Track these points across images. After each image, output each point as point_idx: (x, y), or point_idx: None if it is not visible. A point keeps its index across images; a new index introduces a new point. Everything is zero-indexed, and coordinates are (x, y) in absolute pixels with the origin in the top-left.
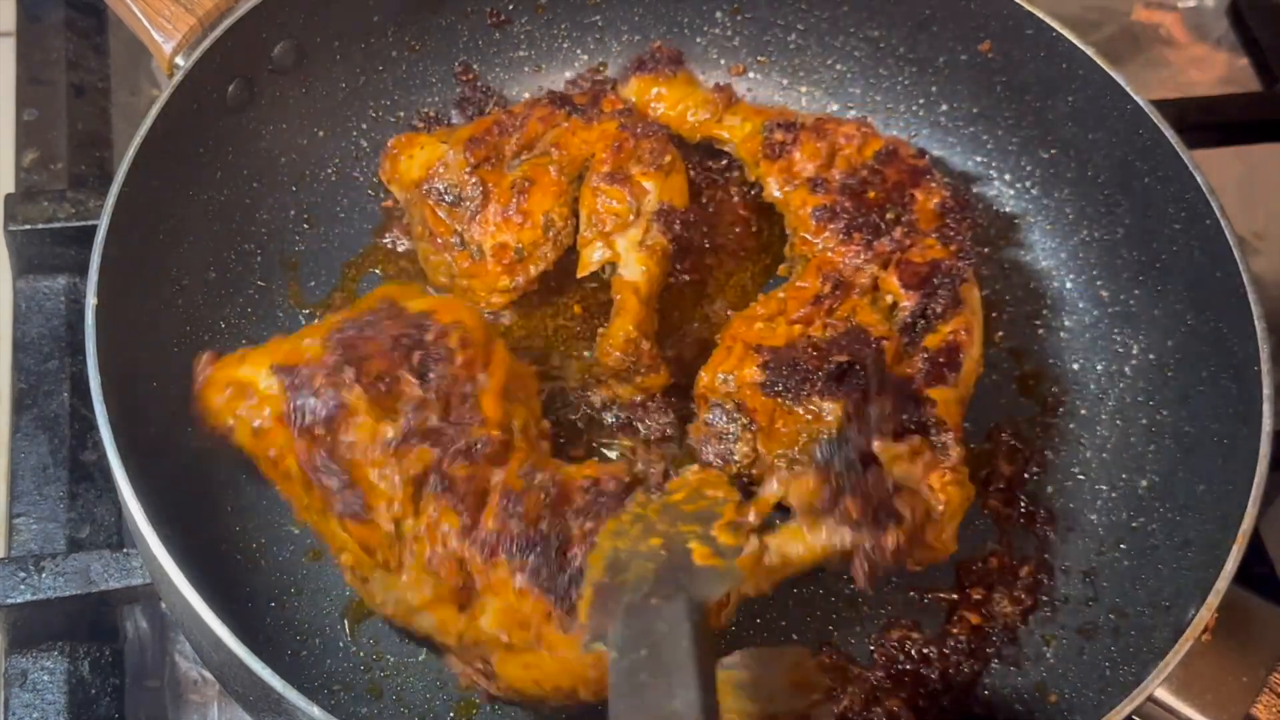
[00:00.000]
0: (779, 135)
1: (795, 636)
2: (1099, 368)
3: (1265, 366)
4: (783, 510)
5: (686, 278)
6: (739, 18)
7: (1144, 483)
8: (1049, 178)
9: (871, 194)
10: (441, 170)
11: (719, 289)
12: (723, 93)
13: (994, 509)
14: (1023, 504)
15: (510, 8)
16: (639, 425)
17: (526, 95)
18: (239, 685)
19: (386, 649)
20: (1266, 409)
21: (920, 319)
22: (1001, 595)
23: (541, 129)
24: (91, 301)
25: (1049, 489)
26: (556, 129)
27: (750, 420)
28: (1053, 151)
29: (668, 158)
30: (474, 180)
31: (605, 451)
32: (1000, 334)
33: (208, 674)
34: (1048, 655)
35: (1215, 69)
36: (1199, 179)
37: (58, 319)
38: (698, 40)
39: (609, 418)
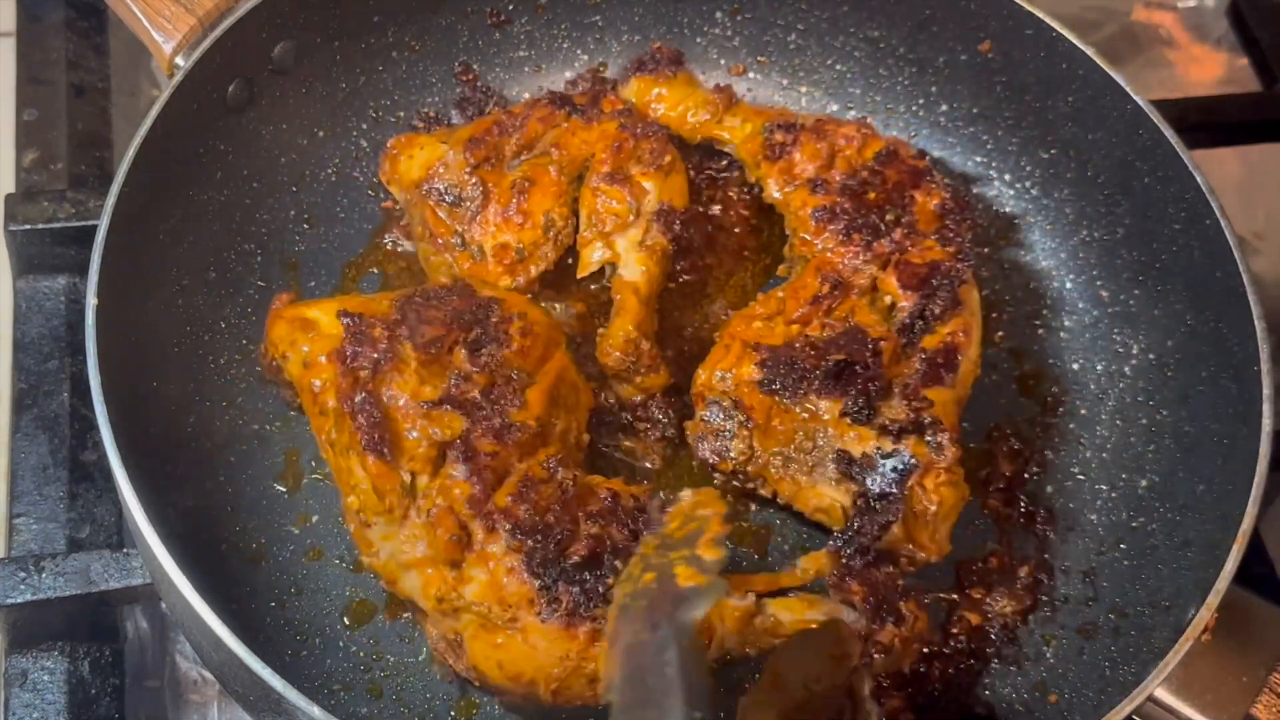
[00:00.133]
0: (779, 136)
1: None
2: (1099, 368)
3: (1265, 366)
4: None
5: (686, 278)
6: (739, 18)
7: (1144, 483)
8: (1049, 178)
9: (871, 195)
10: (441, 170)
11: (719, 289)
12: (723, 93)
13: (994, 509)
14: (1023, 504)
15: (510, 8)
16: (639, 425)
17: (526, 95)
18: (239, 685)
19: (386, 649)
20: (1266, 409)
21: (919, 320)
22: (1001, 595)
23: (541, 129)
24: (91, 301)
25: (1049, 489)
26: (556, 129)
27: (747, 418)
28: (1053, 151)
29: (668, 158)
30: (474, 180)
31: (604, 450)
32: (1000, 334)
33: (208, 674)
34: (1048, 655)
35: (1215, 69)
36: (1199, 179)
37: (58, 319)
38: (698, 40)
39: (609, 418)
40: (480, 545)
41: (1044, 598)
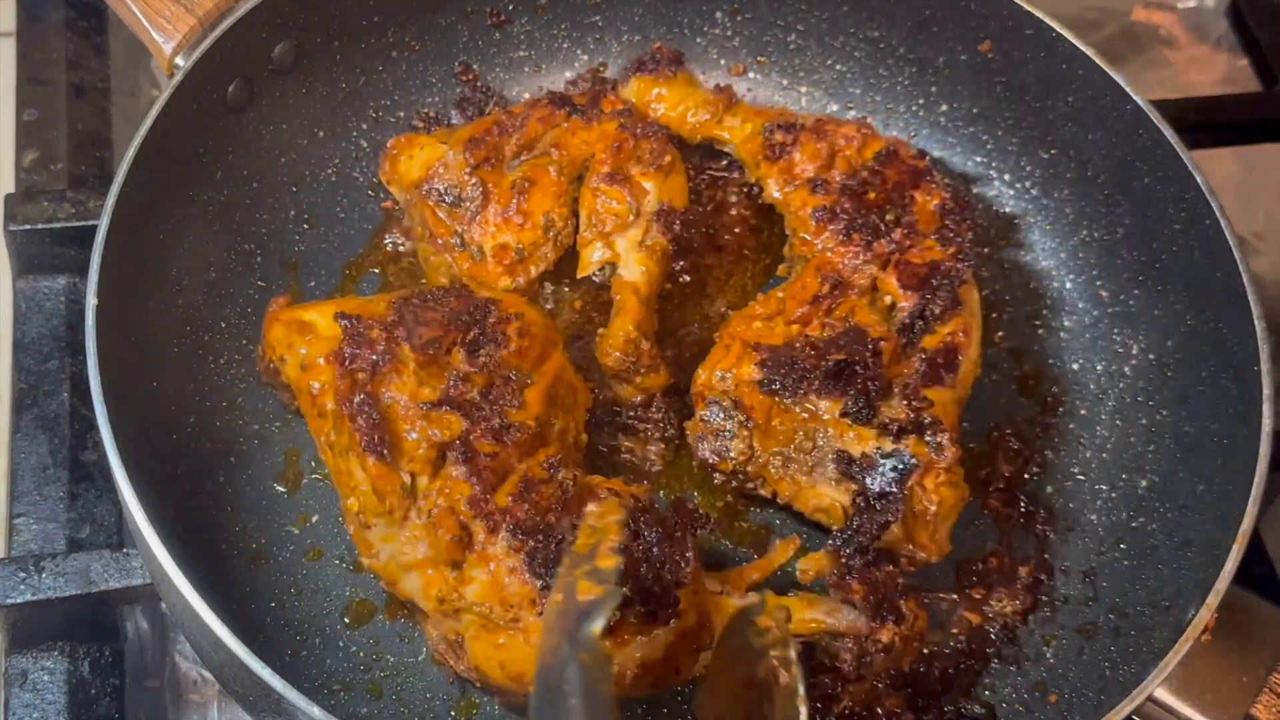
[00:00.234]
0: (779, 136)
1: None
2: (1099, 368)
3: (1265, 366)
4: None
5: (686, 278)
6: (739, 18)
7: (1144, 483)
8: (1049, 178)
9: (871, 195)
10: (441, 171)
11: (719, 289)
12: (723, 93)
13: (994, 509)
14: (1023, 504)
15: (510, 8)
16: (639, 425)
17: (526, 95)
18: (239, 685)
19: (386, 649)
20: (1266, 409)
21: (919, 320)
22: (1001, 595)
23: (541, 129)
24: (91, 301)
25: (1049, 489)
26: (556, 129)
27: (747, 418)
28: (1053, 151)
29: (668, 158)
30: (474, 181)
31: (604, 450)
32: (1000, 334)
33: (208, 674)
34: (1048, 655)
35: (1215, 69)
36: (1199, 179)
37: (58, 319)
38: (698, 40)
39: (609, 418)
40: (481, 546)
41: (1044, 598)
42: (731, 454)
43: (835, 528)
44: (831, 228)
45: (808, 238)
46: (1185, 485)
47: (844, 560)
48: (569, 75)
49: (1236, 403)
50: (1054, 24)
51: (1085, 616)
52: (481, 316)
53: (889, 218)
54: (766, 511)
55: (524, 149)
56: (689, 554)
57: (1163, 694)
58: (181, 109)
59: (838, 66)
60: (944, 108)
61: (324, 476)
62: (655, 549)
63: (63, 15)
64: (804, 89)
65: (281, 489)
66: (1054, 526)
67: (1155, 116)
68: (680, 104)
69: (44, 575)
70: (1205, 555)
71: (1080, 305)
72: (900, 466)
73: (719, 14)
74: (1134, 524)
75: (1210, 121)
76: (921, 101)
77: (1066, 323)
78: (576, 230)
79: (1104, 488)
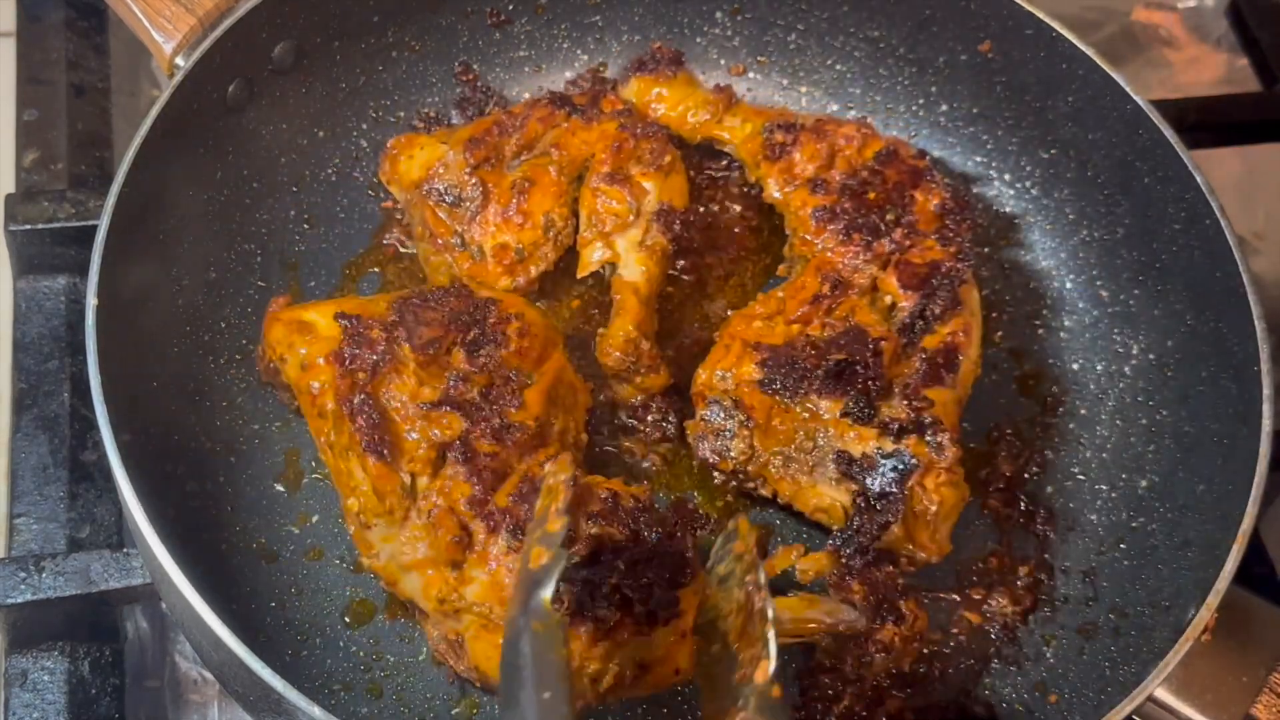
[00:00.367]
0: (779, 136)
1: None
2: (1099, 368)
3: (1265, 366)
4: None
5: (686, 278)
6: (739, 18)
7: (1144, 483)
8: (1049, 178)
9: (871, 195)
10: (441, 171)
11: (719, 289)
12: (723, 93)
13: (994, 509)
14: (1023, 504)
15: (510, 8)
16: (639, 425)
17: (526, 95)
18: (239, 685)
19: (386, 649)
20: (1266, 409)
21: (919, 320)
22: (1001, 595)
23: (541, 129)
24: (91, 301)
25: (1049, 489)
26: (556, 129)
27: (747, 417)
28: (1053, 151)
29: (668, 158)
30: (474, 181)
31: (605, 450)
32: (1000, 334)
33: (208, 674)
34: (1048, 655)
35: (1215, 69)
36: (1199, 179)
37: (58, 319)
38: (698, 40)
39: (609, 418)
40: (481, 546)
41: (1044, 598)
42: (732, 454)
43: (835, 528)
44: (831, 228)
45: (808, 238)
46: (1185, 485)
47: (844, 560)
48: (569, 75)
49: (1236, 403)
50: (1054, 24)
51: (1085, 616)
52: (481, 316)
53: (889, 218)
54: (766, 511)
55: (524, 149)
56: (689, 554)
57: (1163, 694)
58: (181, 109)
59: (838, 66)
60: (944, 108)
61: (324, 476)
62: (655, 549)
63: (63, 15)
64: (804, 89)
65: (281, 489)
66: (1054, 526)
67: (1155, 116)
68: (680, 104)
69: (44, 575)
70: (1205, 555)
71: (1080, 305)
72: (900, 466)
73: (719, 14)
74: (1134, 524)
75: (1210, 121)
76: (921, 101)
77: (1066, 323)
78: (576, 230)
79: (1104, 488)
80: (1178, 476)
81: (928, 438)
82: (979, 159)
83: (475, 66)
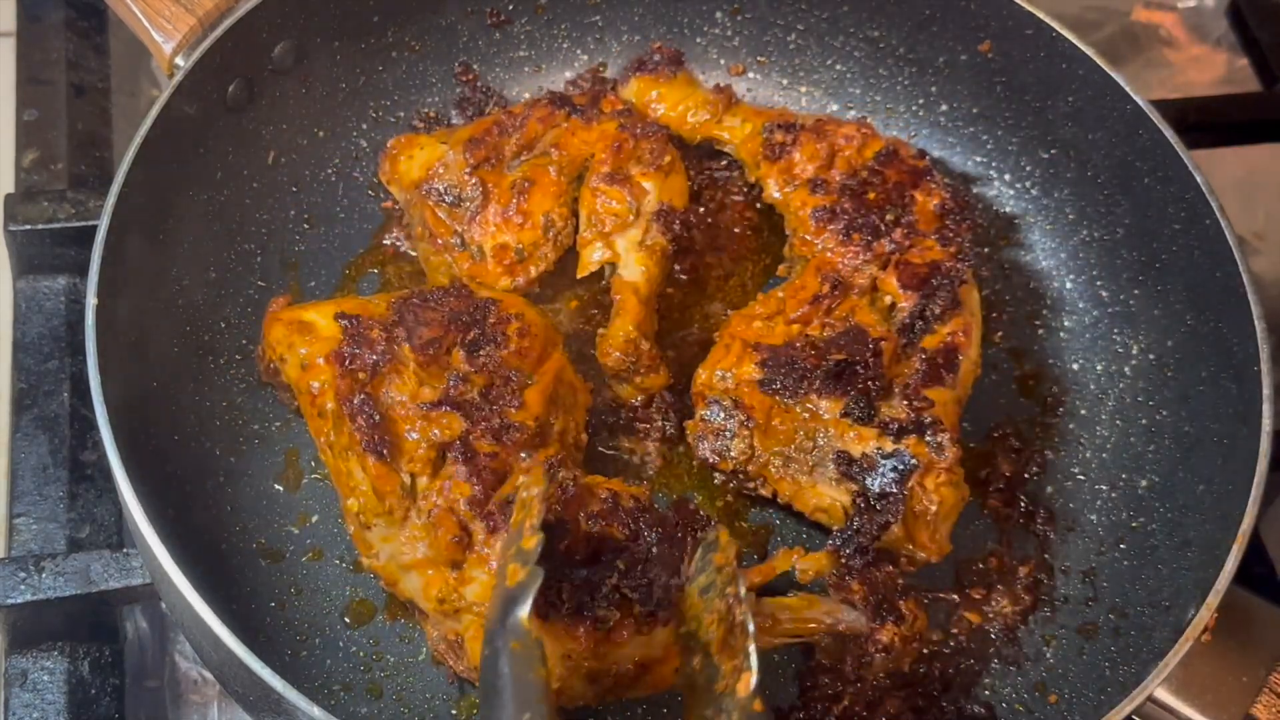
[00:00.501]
0: (779, 136)
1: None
2: (1099, 368)
3: (1265, 366)
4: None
5: (686, 278)
6: (739, 18)
7: (1144, 483)
8: (1049, 178)
9: (871, 195)
10: (441, 171)
11: (719, 289)
12: (723, 93)
13: (994, 509)
14: (1023, 504)
15: (510, 8)
16: (639, 425)
17: (526, 95)
18: (239, 685)
19: (386, 649)
20: (1266, 409)
21: (919, 320)
22: (1001, 595)
23: (541, 129)
24: (91, 301)
25: (1049, 489)
26: (556, 129)
27: (747, 417)
28: (1053, 151)
29: (667, 158)
30: (474, 181)
31: (604, 450)
32: (1000, 334)
33: (208, 674)
34: (1048, 655)
35: (1215, 69)
36: (1199, 179)
37: (58, 319)
38: (698, 40)
39: (609, 418)
40: (481, 546)
41: (1044, 598)
42: (732, 454)
43: (835, 528)
44: (831, 228)
45: (808, 238)
46: (1185, 485)
47: (844, 560)
48: (569, 75)
49: (1236, 403)
50: (1054, 24)
51: (1085, 616)
52: (481, 316)
53: (889, 218)
54: (766, 511)
55: (524, 149)
56: (689, 554)
57: (1163, 694)
58: (181, 109)
59: (838, 66)
60: (944, 108)
61: (324, 476)
62: (655, 549)
63: (63, 15)
64: (804, 89)
65: (281, 489)
66: (1054, 526)
67: (1155, 116)
68: (680, 104)
69: (44, 575)
70: (1205, 555)
71: (1080, 305)
72: (900, 466)
73: (719, 14)
74: (1134, 524)
75: (1210, 121)
76: (921, 101)
77: (1066, 323)
78: (576, 230)
79: (1104, 488)
80: (1178, 476)
81: (928, 438)
82: (979, 159)
83: (475, 66)
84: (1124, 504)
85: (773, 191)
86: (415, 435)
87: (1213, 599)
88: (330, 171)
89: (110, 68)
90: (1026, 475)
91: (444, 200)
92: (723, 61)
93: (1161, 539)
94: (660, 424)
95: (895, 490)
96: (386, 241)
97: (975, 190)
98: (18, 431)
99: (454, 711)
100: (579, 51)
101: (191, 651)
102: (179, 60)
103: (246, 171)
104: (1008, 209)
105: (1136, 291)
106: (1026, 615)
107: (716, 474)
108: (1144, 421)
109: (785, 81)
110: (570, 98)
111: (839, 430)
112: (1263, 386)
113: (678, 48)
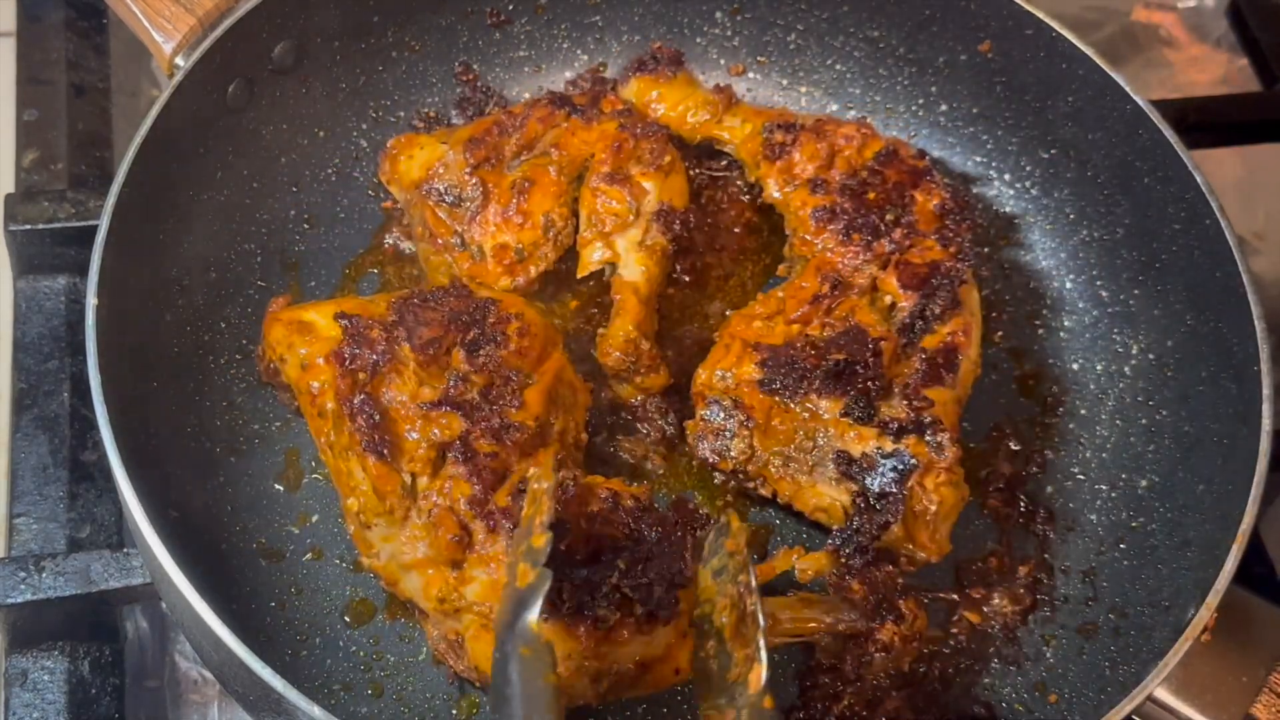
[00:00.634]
0: (779, 136)
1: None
2: (1099, 368)
3: (1265, 366)
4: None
5: (686, 278)
6: (739, 18)
7: (1144, 483)
8: (1049, 178)
9: (871, 195)
10: (441, 171)
11: (719, 289)
12: (723, 93)
13: (994, 509)
14: (1023, 504)
15: (510, 8)
16: (639, 425)
17: (526, 95)
18: (239, 685)
19: (386, 649)
20: (1266, 409)
21: (919, 320)
22: (1001, 595)
23: (541, 129)
24: (91, 301)
25: (1049, 489)
26: (556, 129)
27: (747, 417)
28: (1053, 151)
29: (667, 158)
30: (474, 181)
31: (604, 450)
32: (1000, 334)
33: (208, 674)
34: (1048, 655)
35: (1215, 69)
36: (1199, 179)
37: (58, 319)
38: (698, 40)
39: (609, 418)
40: (481, 545)
41: (1044, 598)
42: (732, 453)
43: (835, 528)
44: (831, 228)
45: (808, 238)
46: (1185, 485)
47: (844, 560)
48: (569, 75)
49: (1236, 403)
50: (1054, 24)
51: (1085, 616)
52: (481, 316)
53: (889, 218)
54: (766, 511)
55: (524, 149)
56: (689, 554)
57: (1163, 694)
58: (181, 109)
59: (838, 66)
60: (944, 108)
61: (324, 476)
62: (655, 549)
63: (63, 15)
64: (804, 89)
65: (281, 489)
66: (1054, 526)
67: (1155, 116)
68: (680, 104)
69: (44, 575)
70: (1205, 555)
71: (1080, 305)
72: (900, 466)
73: (719, 14)
74: (1134, 524)
75: (1210, 121)
76: (921, 101)
77: (1066, 323)
78: (576, 230)
79: (1104, 488)
80: (1178, 476)
81: (928, 438)
82: (979, 159)
83: (475, 66)
84: (1124, 504)
85: (773, 191)
86: (415, 435)
87: (1212, 599)
88: (330, 171)
89: (110, 68)
90: (1026, 475)
91: (444, 200)
92: (723, 61)
93: (1161, 539)
94: (660, 424)
95: (895, 490)
96: (386, 241)
97: (975, 190)
98: (18, 431)
99: (454, 711)
100: (579, 51)
101: (191, 651)
102: (179, 60)
103: (246, 171)
104: (1008, 209)
105: (1136, 291)
106: (1026, 615)
107: (716, 474)
108: (1144, 421)
109: (785, 81)
110: (570, 98)
111: (839, 430)
112: (1263, 386)
113: (678, 48)
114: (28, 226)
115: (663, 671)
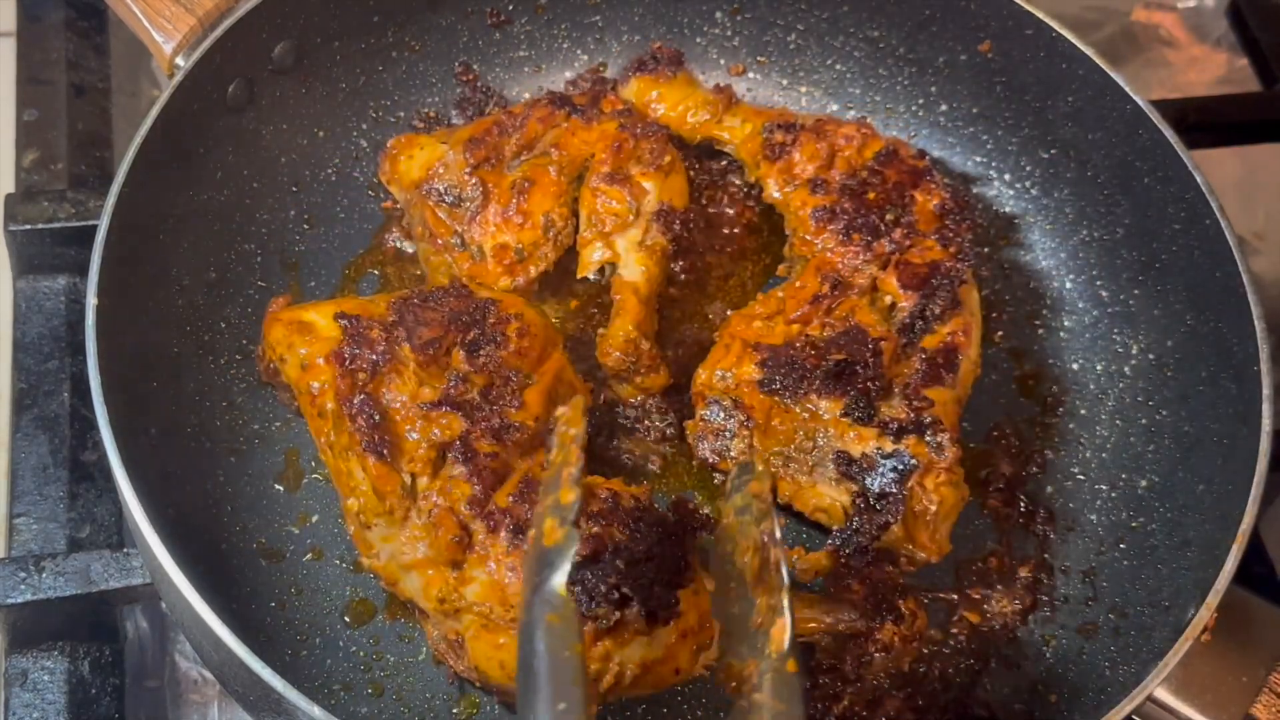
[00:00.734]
0: (779, 136)
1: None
2: (1099, 368)
3: (1265, 366)
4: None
5: (686, 278)
6: (739, 18)
7: (1144, 483)
8: (1049, 178)
9: (871, 195)
10: (441, 171)
11: (719, 289)
12: (723, 94)
13: (994, 509)
14: (1023, 504)
15: (510, 8)
16: (639, 425)
17: (526, 95)
18: (239, 685)
19: (386, 649)
20: (1266, 409)
21: (919, 320)
22: (1001, 595)
23: (541, 129)
24: (91, 301)
25: (1049, 489)
26: (556, 129)
27: (747, 417)
28: (1053, 151)
29: (667, 158)
30: (474, 181)
31: (604, 450)
32: (1000, 334)
33: (208, 674)
34: (1048, 655)
35: (1215, 69)
36: (1199, 179)
37: (58, 319)
38: (698, 40)
39: (609, 418)
40: (481, 546)
41: (1044, 598)
42: (732, 453)
43: (835, 528)
44: (831, 228)
45: (808, 238)
46: (1185, 485)
47: (844, 560)
48: (569, 75)
49: (1236, 403)
50: (1054, 24)
51: (1085, 616)
52: (481, 316)
53: (889, 218)
54: (774, 505)
55: (524, 149)
56: (689, 554)
57: (1163, 694)
58: (181, 109)
59: (838, 66)
60: (944, 108)
61: (324, 476)
62: (655, 549)
63: (63, 15)
64: (804, 89)
65: (281, 489)
66: (1054, 526)
67: (1155, 116)
68: (680, 104)
69: (44, 575)
70: (1205, 555)
71: (1080, 305)
72: (900, 466)
73: (719, 14)
74: (1134, 524)
75: (1210, 121)
76: (921, 101)
77: (1066, 323)
78: (576, 230)
79: (1104, 488)
80: (1178, 476)
81: (928, 438)
82: (979, 159)
83: (475, 66)
84: (1124, 504)
85: (773, 191)
86: (415, 435)
87: (1212, 599)
88: (330, 171)
89: (110, 68)
90: (1026, 475)
91: (444, 200)
92: (723, 61)
93: (1161, 539)
94: (660, 424)
95: (895, 490)
96: (386, 241)
97: (975, 190)
98: (18, 431)
99: (454, 711)
100: (579, 51)
101: (191, 651)
102: (179, 60)
103: (246, 171)
104: (1008, 209)
105: (1136, 291)
106: (1026, 615)
107: (716, 474)
108: (1144, 421)
109: (785, 81)
110: (570, 98)
111: (839, 430)
112: (1263, 386)
113: (678, 48)
114: (28, 226)
115: (663, 671)
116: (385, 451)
